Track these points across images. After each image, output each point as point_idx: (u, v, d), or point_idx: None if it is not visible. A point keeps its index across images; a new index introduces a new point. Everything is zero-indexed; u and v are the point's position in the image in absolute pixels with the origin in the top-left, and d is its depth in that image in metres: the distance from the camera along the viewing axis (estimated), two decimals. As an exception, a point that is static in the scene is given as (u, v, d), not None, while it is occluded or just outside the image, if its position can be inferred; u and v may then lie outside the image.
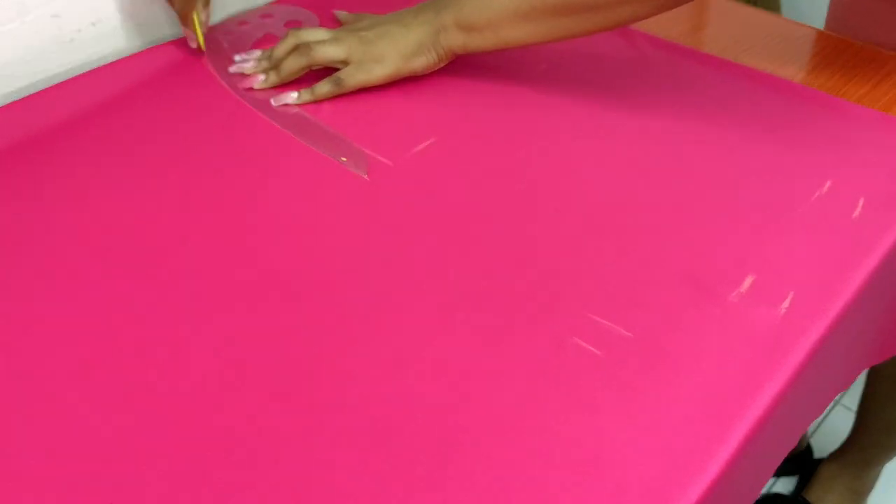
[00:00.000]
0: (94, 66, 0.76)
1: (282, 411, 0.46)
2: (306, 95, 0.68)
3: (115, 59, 0.76)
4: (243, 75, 0.72)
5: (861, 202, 0.59)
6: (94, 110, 0.69)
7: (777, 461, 0.57)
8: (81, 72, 0.74)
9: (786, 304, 0.51)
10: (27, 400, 0.47)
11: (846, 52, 0.79)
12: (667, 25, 0.81)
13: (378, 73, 0.68)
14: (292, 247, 0.57)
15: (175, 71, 0.74)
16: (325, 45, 0.68)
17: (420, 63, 0.69)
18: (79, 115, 0.69)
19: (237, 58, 0.73)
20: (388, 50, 0.67)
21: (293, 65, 0.69)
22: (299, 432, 0.45)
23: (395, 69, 0.68)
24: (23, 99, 0.70)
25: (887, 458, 1.09)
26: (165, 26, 0.81)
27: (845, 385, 0.65)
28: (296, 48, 0.69)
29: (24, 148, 0.65)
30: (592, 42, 0.78)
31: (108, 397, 0.47)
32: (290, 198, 0.61)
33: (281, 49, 0.70)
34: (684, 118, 0.67)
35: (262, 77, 0.70)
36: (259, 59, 0.72)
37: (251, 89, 0.71)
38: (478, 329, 0.50)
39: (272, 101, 0.68)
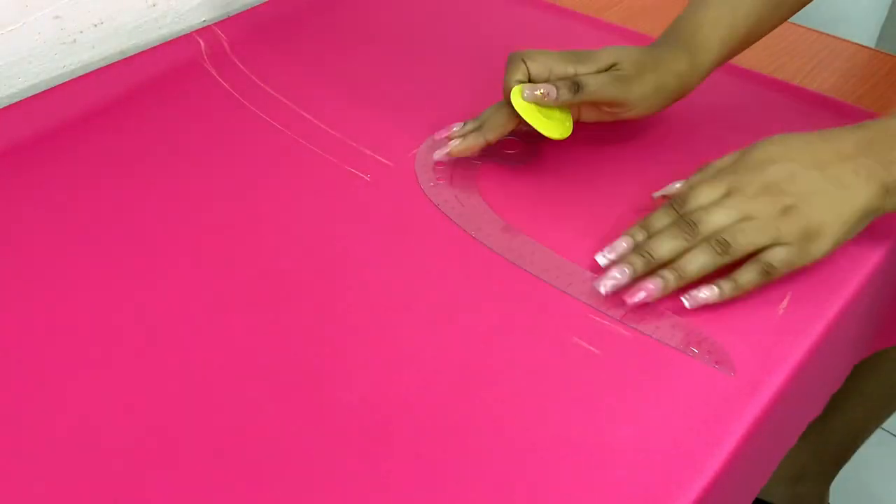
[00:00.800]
0: (96, 67, 0.76)
1: (282, 410, 0.46)
2: (728, 289, 0.51)
3: (116, 60, 0.76)
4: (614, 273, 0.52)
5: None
6: (95, 111, 0.69)
7: (776, 461, 0.57)
8: (83, 73, 0.74)
9: (784, 304, 0.52)
10: (26, 400, 0.47)
11: (844, 52, 0.79)
12: (666, 27, 0.81)
13: (816, 253, 0.51)
14: (292, 246, 0.57)
15: (176, 72, 0.74)
16: (745, 234, 0.50)
17: (858, 230, 0.52)
18: (80, 116, 0.69)
19: (599, 259, 0.54)
20: (828, 220, 0.50)
21: (703, 267, 0.50)
22: (299, 431, 0.45)
23: (836, 244, 0.51)
24: (25, 100, 0.70)
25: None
26: (166, 27, 0.81)
27: (838, 382, 0.65)
28: (692, 239, 0.51)
29: (26, 149, 0.65)
30: (592, 44, 0.78)
31: (107, 397, 0.47)
32: (291, 198, 0.61)
33: (671, 245, 0.51)
34: (684, 119, 0.67)
35: (654, 287, 0.51)
36: (633, 264, 0.52)
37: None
38: (478, 328, 0.50)
39: (685, 302, 0.51)
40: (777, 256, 0.50)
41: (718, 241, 0.50)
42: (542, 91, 0.57)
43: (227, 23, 0.81)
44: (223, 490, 0.42)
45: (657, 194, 0.57)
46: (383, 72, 0.75)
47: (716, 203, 0.52)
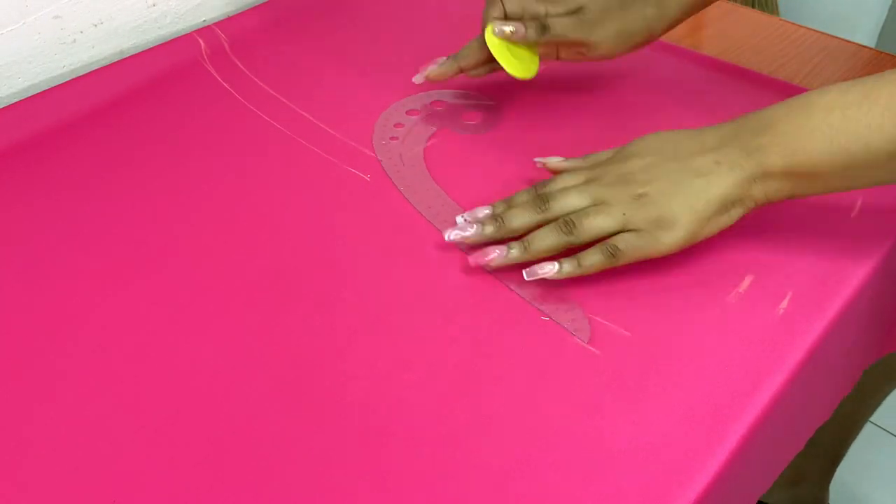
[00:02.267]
0: (96, 66, 0.76)
1: (281, 410, 0.46)
2: (569, 267, 0.51)
3: (116, 60, 0.76)
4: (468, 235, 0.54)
5: (859, 202, 0.59)
6: (95, 111, 0.69)
7: (780, 465, 0.57)
8: (83, 72, 0.74)
9: (784, 304, 0.52)
10: (26, 400, 0.47)
11: (844, 52, 0.79)
12: (666, 26, 0.81)
13: (667, 242, 0.50)
14: (292, 246, 0.57)
15: (176, 71, 0.74)
16: (591, 217, 0.51)
17: (721, 223, 0.51)
18: (81, 116, 0.69)
19: (459, 220, 0.55)
20: (681, 210, 0.50)
21: (549, 243, 0.52)
22: (298, 430, 0.45)
23: (690, 237, 0.50)
24: (25, 100, 0.70)
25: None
26: (166, 27, 0.81)
27: (848, 387, 0.65)
28: (543, 217, 0.53)
29: (26, 148, 0.65)
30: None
31: (107, 396, 0.47)
32: (291, 198, 0.61)
33: (522, 220, 0.53)
34: (684, 119, 0.67)
35: (498, 253, 0.52)
36: (484, 224, 0.54)
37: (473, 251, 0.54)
38: (478, 328, 0.50)
39: (525, 275, 0.52)
40: (624, 240, 0.51)
41: (566, 221, 0.51)
42: (510, 29, 0.62)
43: (227, 23, 0.81)
44: (223, 489, 0.42)
45: (538, 160, 0.60)
46: (384, 72, 0.75)
47: (573, 187, 0.53)
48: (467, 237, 0.54)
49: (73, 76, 0.74)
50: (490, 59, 0.65)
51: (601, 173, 0.53)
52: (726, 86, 0.72)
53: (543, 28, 0.63)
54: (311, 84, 0.73)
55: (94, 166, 0.64)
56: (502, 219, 0.54)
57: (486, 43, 0.63)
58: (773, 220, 0.57)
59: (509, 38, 0.63)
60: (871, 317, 0.60)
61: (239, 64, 0.75)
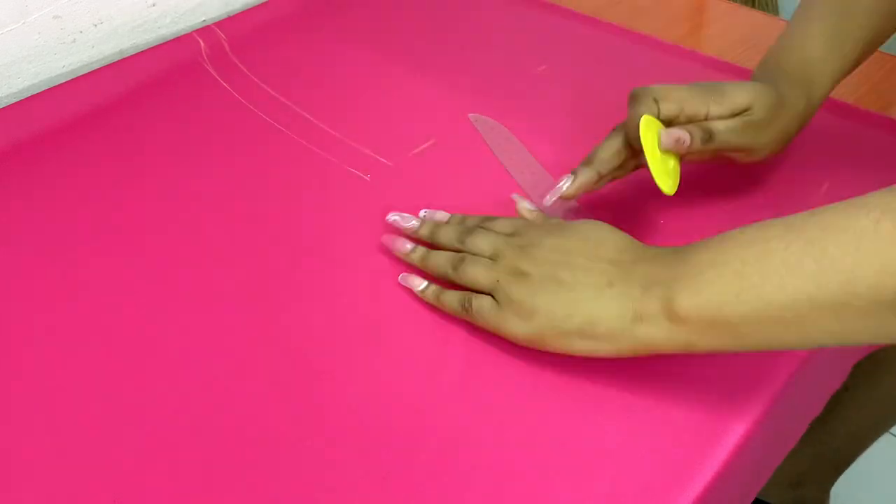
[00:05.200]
0: (96, 66, 0.76)
1: (280, 410, 0.46)
2: (429, 294, 0.52)
3: (116, 59, 0.76)
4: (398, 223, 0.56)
5: (859, 203, 0.59)
6: (95, 111, 0.69)
7: (776, 461, 0.57)
8: (83, 72, 0.74)
9: (784, 304, 0.52)
10: (25, 400, 0.47)
11: (845, 53, 0.79)
12: (666, 27, 0.81)
13: (513, 329, 0.47)
14: (292, 246, 0.57)
15: (176, 71, 0.74)
16: (473, 265, 0.49)
17: (584, 347, 0.45)
18: (81, 116, 0.69)
19: (422, 214, 0.57)
20: (542, 311, 0.45)
21: (437, 267, 0.52)
22: (298, 430, 0.45)
23: (537, 338, 0.46)
24: (25, 99, 0.70)
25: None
26: (166, 26, 0.81)
27: (839, 381, 0.65)
28: (460, 245, 0.52)
29: (26, 148, 0.65)
30: (592, 44, 0.78)
31: (106, 395, 0.47)
32: (291, 198, 0.61)
33: (446, 237, 0.53)
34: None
35: (409, 247, 0.54)
36: (424, 222, 0.55)
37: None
38: (478, 328, 0.50)
39: (399, 279, 0.53)
40: (479, 302, 0.48)
41: (460, 257, 0.51)
42: (679, 136, 0.52)
43: (227, 23, 0.81)
44: (223, 489, 0.42)
45: (514, 196, 0.57)
46: (383, 72, 0.75)
47: (493, 233, 0.51)
48: (405, 228, 0.56)
49: (73, 76, 0.74)
50: (630, 162, 0.56)
51: (525, 233, 0.50)
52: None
53: (709, 134, 0.53)
54: (311, 84, 0.73)
55: (94, 166, 0.64)
56: (437, 228, 0.54)
57: (624, 142, 0.54)
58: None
59: (675, 148, 0.52)
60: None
61: (239, 64, 0.76)
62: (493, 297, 0.48)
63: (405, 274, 0.53)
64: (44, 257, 0.56)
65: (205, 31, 0.79)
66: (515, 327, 0.47)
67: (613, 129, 0.56)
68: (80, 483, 0.43)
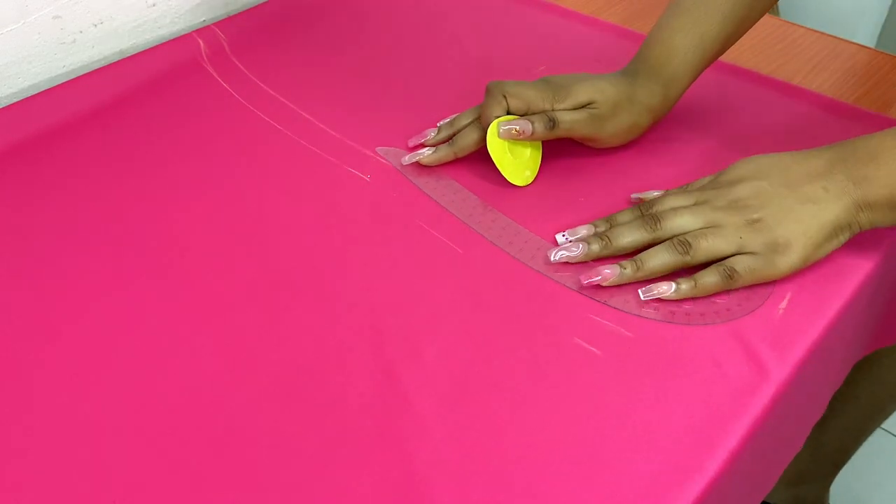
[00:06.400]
0: (96, 66, 0.76)
1: (281, 410, 0.46)
2: (686, 287, 0.51)
3: (116, 60, 0.76)
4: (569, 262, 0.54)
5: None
6: (95, 111, 0.69)
7: (781, 464, 0.57)
8: (83, 73, 0.75)
9: (784, 304, 0.52)
10: (25, 400, 0.47)
11: (843, 53, 0.79)
12: (666, 26, 0.81)
13: (783, 267, 0.51)
14: (292, 246, 0.57)
15: (176, 71, 0.74)
16: (707, 238, 0.51)
17: (831, 247, 0.52)
18: (81, 116, 0.69)
19: (560, 238, 0.56)
20: (795, 235, 0.51)
21: (663, 262, 0.52)
22: (298, 431, 0.45)
23: (804, 260, 0.51)
24: (25, 99, 0.70)
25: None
26: (165, 27, 0.81)
27: (839, 382, 0.66)
28: (654, 237, 0.53)
29: (26, 148, 0.65)
30: (592, 44, 0.78)
31: (106, 395, 0.47)
32: (291, 198, 0.61)
33: (631, 238, 0.53)
34: (683, 119, 0.67)
35: (610, 272, 0.52)
36: (589, 241, 0.54)
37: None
38: (478, 328, 0.50)
39: (641, 294, 0.52)
40: (741, 262, 0.51)
41: (680, 241, 0.52)
42: (517, 129, 0.59)
43: (227, 23, 0.81)
44: (223, 490, 0.42)
45: (636, 195, 0.59)
46: (383, 72, 0.75)
47: (684, 208, 0.53)
48: (573, 257, 0.54)
49: (73, 76, 0.74)
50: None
51: (710, 197, 0.54)
52: (726, 86, 0.72)
53: (552, 122, 0.59)
54: (311, 84, 0.73)
55: (94, 166, 0.64)
56: (608, 237, 0.54)
57: (485, 134, 0.60)
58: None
59: (515, 138, 0.59)
60: (867, 315, 0.60)
61: (239, 64, 0.76)
62: (741, 253, 0.51)
63: (648, 287, 0.52)
64: (44, 257, 0.56)
65: (205, 31, 0.79)
66: (784, 264, 0.51)
67: (471, 110, 0.63)
68: (81, 483, 0.43)
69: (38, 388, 0.47)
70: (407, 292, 0.53)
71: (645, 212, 0.55)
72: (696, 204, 0.53)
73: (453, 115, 0.65)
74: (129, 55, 0.77)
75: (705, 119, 0.68)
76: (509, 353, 0.49)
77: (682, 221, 0.52)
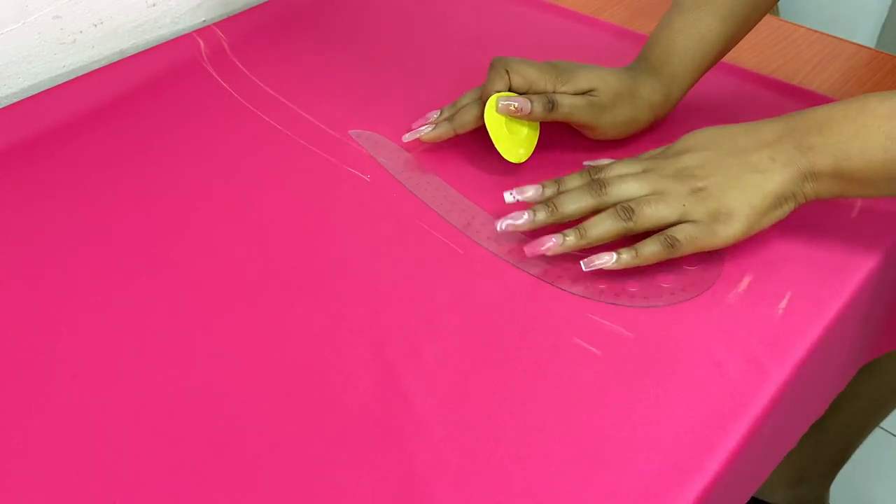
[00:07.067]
0: (96, 66, 0.76)
1: (280, 410, 0.46)
2: (627, 257, 0.51)
3: (116, 60, 0.76)
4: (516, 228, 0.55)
5: (859, 203, 0.59)
6: (95, 111, 0.69)
7: (775, 461, 0.57)
8: (83, 72, 0.74)
9: (784, 303, 0.52)
10: (25, 400, 0.47)
11: (843, 53, 0.79)
12: (666, 26, 0.81)
13: (724, 235, 0.51)
14: (292, 246, 0.57)
15: (176, 71, 0.74)
16: (651, 206, 0.51)
17: (774, 217, 0.52)
18: (81, 116, 0.69)
19: (506, 195, 0.55)
20: (738, 204, 0.51)
21: (607, 230, 0.52)
22: (298, 431, 0.45)
23: (746, 230, 0.51)
24: (25, 100, 0.70)
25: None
26: (165, 27, 0.81)
27: (841, 384, 0.65)
28: (600, 202, 0.53)
29: (26, 148, 0.65)
30: (591, 43, 0.78)
31: (106, 396, 0.47)
32: (291, 198, 0.61)
33: (577, 204, 0.53)
34: (684, 119, 0.67)
35: (554, 241, 0.52)
36: (535, 210, 0.54)
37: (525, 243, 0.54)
38: (478, 328, 0.50)
39: (582, 265, 0.52)
40: (682, 231, 0.51)
41: (624, 207, 0.51)
42: (515, 105, 0.59)
43: (227, 23, 0.81)
44: (223, 490, 0.42)
45: (588, 163, 0.59)
46: (383, 72, 0.75)
47: (630, 175, 0.53)
48: (519, 225, 0.54)
49: (73, 76, 0.74)
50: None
51: (657, 165, 0.54)
52: (726, 86, 0.72)
53: (551, 104, 0.59)
54: (311, 84, 0.73)
55: (94, 166, 0.64)
56: (555, 204, 0.53)
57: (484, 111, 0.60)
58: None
59: (513, 115, 0.59)
60: (869, 316, 0.60)
61: (239, 64, 0.76)
62: (683, 221, 0.51)
63: (589, 258, 0.51)
64: (44, 257, 0.56)
65: (205, 31, 0.79)
66: (726, 232, 0.51)
67: (473, 90, 0.63)
68: (81, 483, 0.43)
69: (38, 388, 0.47)
70: (407, 292, 0.53)
71: (593, 176, 0.54)
72: (643, 172, 0.53)
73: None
74: (129, 55, 0.77)
75: (705, 119, 0.67)
76: (509, 353, 0.49)
77: (627, 187, 0.52)
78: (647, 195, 0.52)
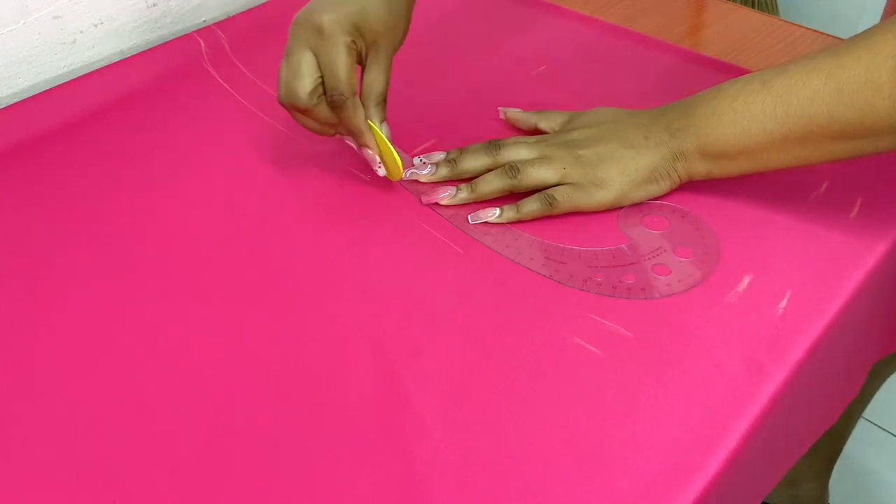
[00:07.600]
0: (96, 66, 0.76)
1: (280, 410, 0.46)
2: (510, 213, 0.57)
3: (116, 60, 0.76)
4: (420, 182, 0.61)
5: (858, 202, 0.59)
6: (95, 111, 0.70)
7: (782, 469, 0.57)
8: (83, 72, 0.75)
9: (783, 303, 0.52)
10: (24, 400, 0.47)
11: (844, 53, 0.78)
12: (665, 27, 0.81)
13: (599, 198, 0.56)
14: (293, 246, 0.57)
15: (176, 71, 0.74)
16: (535, 166, 0.57)
17: (651, 190, 0.58)
18: (81, 116, 0.69)
19: (416, 161, 0.61)
20: (614, 174, 0.56)
21: (494, 186, 0.58)
22: (297, 431, 0.45)
23: (620, 195, 0.57)
24: (25, 100, 0.70)
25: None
26: (165, 27, 0.81)
27: (853, 390, 0.65)
28: (493, 161, 0.59)
29: (26, 148, 0.65)
30: (591, 44, 0.78)
31: (106, 397, 0.47)
32: (291, 198, 0.61)
33: (474, 163, 0.59)
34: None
35: (448, 192, 0.59)
36: (439, 165, 0.60)
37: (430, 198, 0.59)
38: (478, 328, 0.50)
39: (469, 219, 0.58)
40: (561, 191, 0.57)
41: (511, 166, 0.58)
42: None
43: (227, 23, 0.81)
44: (222, 490, 0.42)
45: (501, 109, 0.66)
46: (383, 72, 0.75)
47: (523, 142, 0.60)
48: (422, 176, 0.60)
49: (73, 76, 0.74)
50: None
51: (549, 137, 0.60)
52: (726, 86, 0.72)
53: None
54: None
55: (94, 166, 0.64)
56: (455, 161, 0.60)
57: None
58: (771, 220, 0.57)
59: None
60: (871, 316, 0.60)
61: (239, 64, 0.76)
62: (562, 184, 0.57)
63: (475, 213, 0.58)
64: (44, 257, 0.56)
65: (205, 31, 0.79)
66: (601, 197, 0.57)
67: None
68: (80, 483, 0.43)
69: (38, 388, 0.47)
70: (407, 292, 0.53)
71: (492, 141, 0.60)
72: (535, 141, 0.60)
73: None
74: (129, 55, 0.77)
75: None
76: (509, 353, 0.49)
77: (518, 150, 0.59)
78: (534, 158, 0.58)
